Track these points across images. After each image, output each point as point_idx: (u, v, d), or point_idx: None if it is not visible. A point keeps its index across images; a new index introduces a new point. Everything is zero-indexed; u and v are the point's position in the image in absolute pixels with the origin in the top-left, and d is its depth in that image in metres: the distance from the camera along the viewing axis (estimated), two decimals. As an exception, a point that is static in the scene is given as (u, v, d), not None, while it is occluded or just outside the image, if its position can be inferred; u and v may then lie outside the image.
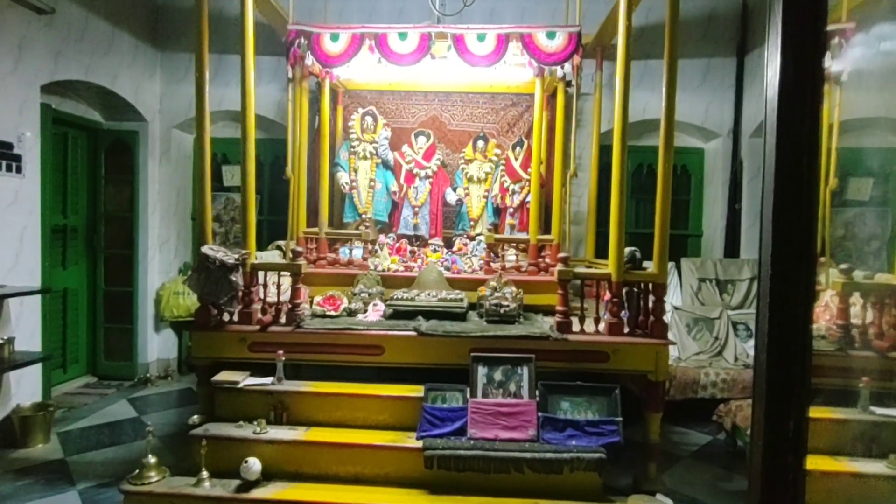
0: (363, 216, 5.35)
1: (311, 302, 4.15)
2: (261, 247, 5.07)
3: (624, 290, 3.70)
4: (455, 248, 5.14)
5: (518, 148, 5.45)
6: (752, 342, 4.80)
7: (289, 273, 3.85)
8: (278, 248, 5.01)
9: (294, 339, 3.70)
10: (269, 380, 3.63)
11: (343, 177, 5.38)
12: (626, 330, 3.67)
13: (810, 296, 1.06)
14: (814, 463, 2.78)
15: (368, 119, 5.37)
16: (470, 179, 5.46)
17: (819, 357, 3.06)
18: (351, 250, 4.98)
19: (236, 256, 3.72)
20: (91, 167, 5.62)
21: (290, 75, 4.72)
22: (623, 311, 3.70)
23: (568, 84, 5.06)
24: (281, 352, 3.63)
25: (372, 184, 5.37)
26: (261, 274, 3.96)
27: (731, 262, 5.45)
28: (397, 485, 3.24)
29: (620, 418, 3.30)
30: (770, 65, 1.06)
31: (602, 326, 3.73)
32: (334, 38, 4.39)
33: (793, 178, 1.05)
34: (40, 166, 4.50)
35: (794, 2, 1.04)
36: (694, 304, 5.22)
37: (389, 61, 4.32)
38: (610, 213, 3.67)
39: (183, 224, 6.16)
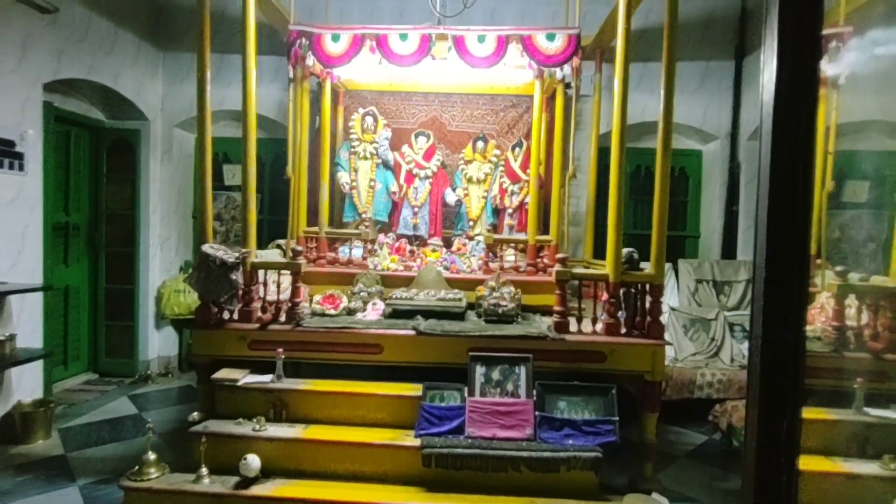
0: (363, 216, 5.36)
1: (311, 301, 4.15)
2: (261, 246, 5.08)
3: (621, 291, 3.71)
4: (454, 248, 5.15)
5: (517, 149, 5.45)
6: (748, 343, 4.80)
7: (289, 272, 3.86)
8: (278, 247, 5.02)
9: (293, 338, 3.70)
10: (268, 377, 3.63)
11: (343, 176, 5.38)
12: (623, 330, 3.68)
13: (804, 298, 1.06)
14: (807, 463, 2.78)
15: (369, 119, 5.38)
16: (469, 180, 5.46)
17: (814, 358, 3.07)
18: (351, 250, 4.98)
19: (237, 255, 3.73)
20: (93, 165, 5.62)
21: (290, 75, 4.72)
22: (620, 312, 3.71)
23: (567, 86, 5.06)
24: (280, 350, 3.63)
25: (372, 184, 5.37)
26: (261, 272, 3.96)
27: (728, 264, 5.46)
28: (395, 482, 3.24)
29: (617, 418, 3.30)
30: (766, 68, 1.07)
31: (599, 327, 3.74)
32: (335, 38, 4.39)
33: (788, 181, 1.05)
34: (42, 164, 4.50)
35: (791, 6, 1.04)
36: (691, 306, 5.23)
37: (390, 62, 4.32)
38: (608, 215, 3.67)
39: (184, 222, 6.16)
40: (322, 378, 3.74)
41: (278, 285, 3.96)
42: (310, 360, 3.81)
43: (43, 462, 3.81)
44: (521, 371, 3.47)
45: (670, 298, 5.29)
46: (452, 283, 4.49)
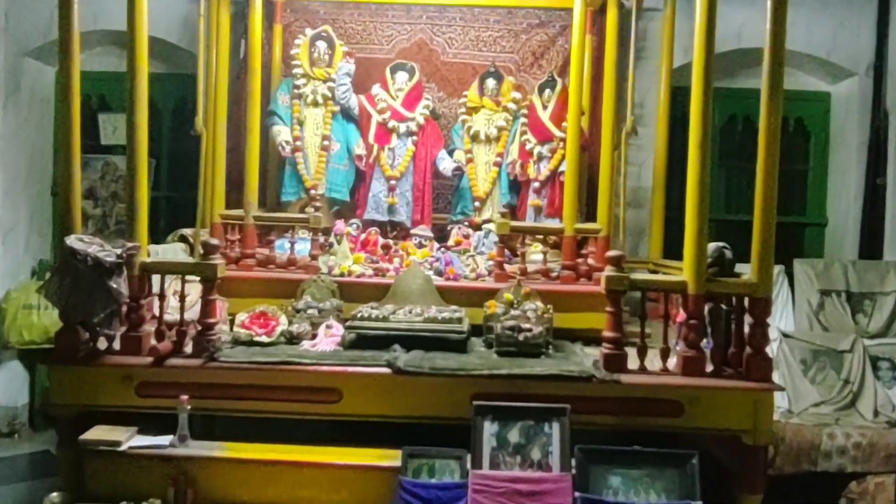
0: (311, 192, 5.35)
1: (232, 322, 4.14)
2: (157, 238, 5.00)
3: (707, 308, 3.70)
4: (451, 243, 5.14)
5: (548, 91, 5.43)
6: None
7: (198, 278, 3.85)
8: (183, 239, 5.00)
9: (205, 378, 3.69)
10: (166, 439, 3.61)
11: (282, 132, 5.36)
12: (710, 368, 3.67)
13: None
14: None
15: (321, 45, 5.36)
16: (474, 138, 5.45)
17: None
18: (293, 244, 4.97)
19: (119, 252, 3.71)
20: None
21: (201, -22, 4.73)
22: (705, 340, 3.70)
23: (624, -6, 5.09)
24: (185, 397, 3.61)
25: (325, 143, 5.36)
26: (156, 279, 3.94)
27: (871, 267, 5.46)
28: None
29: (700, 502, 3.30)
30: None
31: (673, 362, 3.73)
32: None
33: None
34: None
35: None
36: (813, 330, 5.23)
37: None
38: (686, 191, 3.67)
39: (38, 202, 6.13)
40: (249, 440, 3.72)
41: (182, 298, 3.94)
42: (230, 413, 3.79)
43: None
44: (554, 430, 3.46)
45: (781, 319, 5.29)
46: (448, 296, 4.48)
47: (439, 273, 4.75)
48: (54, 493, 3.61)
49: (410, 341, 3.95)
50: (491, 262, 4.85)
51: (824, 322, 5.28)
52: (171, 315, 3.99)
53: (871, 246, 5.80)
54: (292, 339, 4.04)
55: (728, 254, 3.77)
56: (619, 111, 5.08)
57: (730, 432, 3.58)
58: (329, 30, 5.42)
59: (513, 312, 4.04)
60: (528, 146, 5.42)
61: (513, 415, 3.50)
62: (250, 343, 3.94)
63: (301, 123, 5.37)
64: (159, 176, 6.10)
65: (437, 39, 5.68)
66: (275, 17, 5.62)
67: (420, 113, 5.44)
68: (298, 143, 5.37)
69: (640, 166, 5.77)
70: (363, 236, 5.04)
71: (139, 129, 3.84)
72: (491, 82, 5.44)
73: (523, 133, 5.45)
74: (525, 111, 5.47)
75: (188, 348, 3.82)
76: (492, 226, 5.04)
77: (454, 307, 4.23)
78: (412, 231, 5.23)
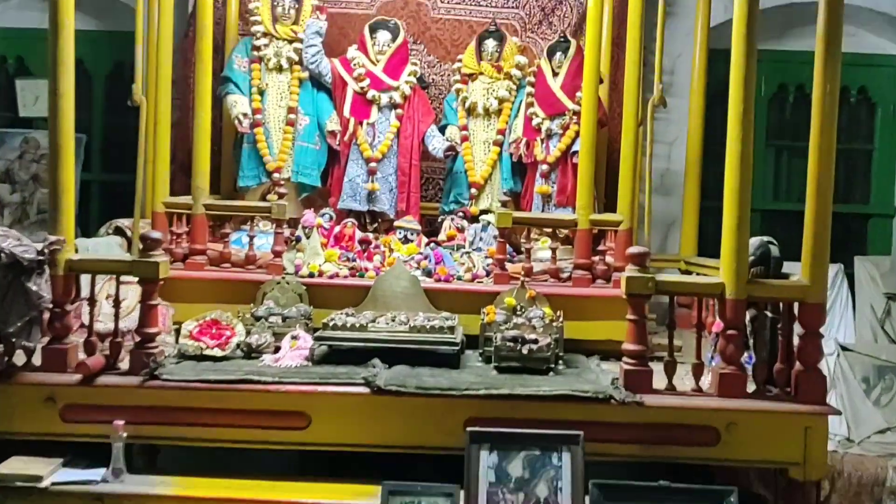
0: (274, 176, 5.36)
1: (178, 332, 4.14)
2: (87, 231, 4.99)
3: (748, 316, 3.72)
4: (443, 237, 5.16)
5: (559, 54, 5.46)
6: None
7: (137, 279, 3.85)
8: (119, 232, 4.99)
9: (145, 400, 3.69)
10: (98, 473, 3.60)
11: (239, 103, 5.36)
12: (752, 388, 3.69)
13: None
14: None
15: (286, -1, 5.39)
16: (471, 111, 5.48)
17: None
18: (252, 238, 4.98)
19: (39, 247, 3.71)
20: None
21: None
22: (746, 354, 3.72)
23: (651, -60, 5.10)
24: (120, 423, 3.60)
25: (291, 117, 5.37)
26: (85, 280, 3.95)
27: (947, 267, 5.50)
28: None
29: (739, 547, 3.32)
30: None
31: (707, 380, 3.75)
32: None
33: None
34: None
35: None
36: (878, 342, 5.25)
37: None
38: (725, 175, 3.68)
39: (-57, 188, 6.13)
40: (197, 474, 3.71)
41: (117, 303, 3.93)
42: (175, 442, 3.80)
43: None
44: (564, 461, 3.47)
45: (839, 328, 5.31)
46: (438, 300, 4.50)
47: (428, 273, 4.76)
48: (-38, 539, 3.62)
49: (393, 355, 3.97)
50: (490, 261, 4.88)
51: (891, 332, 5.31)
52: (104, 324, 4.00)
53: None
54: (251, 352, 4.06)
55: (774, 250, 3.79)
56: (645, 79, 5.10)
57: (775, 465, 3.60)
58: (296, -20, 5.44)
59: (515, 320, 4.06)
60: (534, 121, 5.44)
61: (515, 443, 3.50)
62: (200, 358, 3.95)
63: (262, 92, 5.38)
64: (90, 155, 6.11)
65: (426, -8, 5.70)
66: (230, -36, 5.64)
67: (405, 81, 5.45)
68: (259, 116, 5.37)
69: (669, 145, 5.79)
70: (337, 229, 5.04)
71: (65, 98, 3.83)
72: (491, 44, 5.47)
73: (529, 105, 5.47)
74: (532, 79, 5.49)
75: (124, 364, 3.82)
76: (491, 217, 5.07)
77: (445, 314, 4.23)
78: (396, 223, 5.25)
